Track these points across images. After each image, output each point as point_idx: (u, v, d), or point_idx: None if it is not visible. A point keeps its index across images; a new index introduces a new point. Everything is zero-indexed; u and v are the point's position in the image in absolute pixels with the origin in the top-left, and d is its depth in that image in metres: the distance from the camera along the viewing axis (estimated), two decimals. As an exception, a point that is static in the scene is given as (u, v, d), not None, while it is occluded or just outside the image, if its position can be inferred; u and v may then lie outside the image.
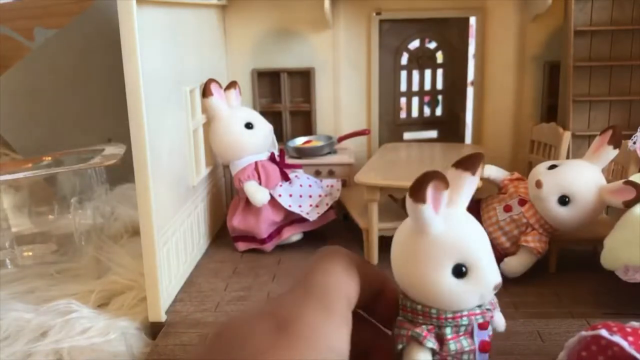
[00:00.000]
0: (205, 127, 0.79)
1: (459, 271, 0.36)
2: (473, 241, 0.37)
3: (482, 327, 0.38)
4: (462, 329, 0.38)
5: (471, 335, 0.38)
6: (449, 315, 0.37)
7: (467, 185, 0.38)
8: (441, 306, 0.37)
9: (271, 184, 0.77)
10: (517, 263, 0.66)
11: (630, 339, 0.39)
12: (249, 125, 0.77)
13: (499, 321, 0.42)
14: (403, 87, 0.97)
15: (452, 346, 0.37)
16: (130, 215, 0.87)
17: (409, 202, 0.35)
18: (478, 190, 0.69)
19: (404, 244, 0.37)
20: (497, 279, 0.37)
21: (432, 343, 0.37)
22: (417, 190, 0.34)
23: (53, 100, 1.04)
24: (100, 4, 1.04)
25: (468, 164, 0.37)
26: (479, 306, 0.38)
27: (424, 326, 0.37)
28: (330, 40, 0.93)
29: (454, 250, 0.36)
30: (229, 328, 0.32)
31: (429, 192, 0.34)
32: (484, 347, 0.38)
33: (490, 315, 0.39)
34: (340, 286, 0.34)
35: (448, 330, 0.37)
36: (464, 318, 0.37)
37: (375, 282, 0.38)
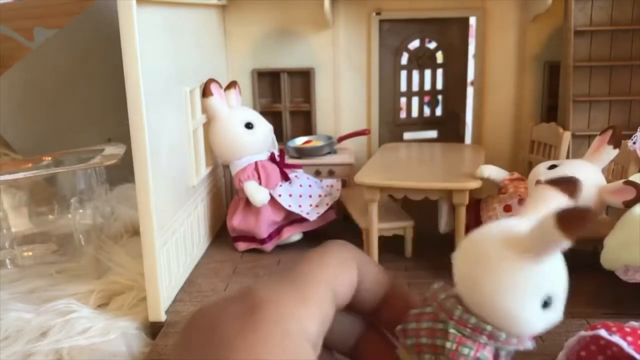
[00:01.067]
0: (205, 127, 0.79)
1: (546, 303, 0.34)
2: (561, 273, 0.35)
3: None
4: (512, 352, 0.37)
5: (509, 355, 0.37)
6: (514, 341, 0.36)
7: (557, 246, 0.34)
8: (514, 332, 0.35)
9: (271, 184, 0.77)
10: (517, 263, 0.66)
11: (629, 339, 0.39)
12: (249, 125, 0.77)
13: None
14: (403, 87, 0.97)
15: None
16: (130, 215, 0.87)
17: (554, 231, 0.32)
18: (478, 190, 0.70)
19: (505, 267, 0.34)
20: (561, 314, 0.36)
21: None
22: (578, 227, 0.32)
23: (53, 100, 1.04)
24: (100, 4, 1.04)
25: (564, 186, 0.35)
26: None
27: (488, 347, 0.36)
28: (330, 40, 0.93)
29: (549, 282, 0.35)
30: (200, 314, 0.32)
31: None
32: None
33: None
34: (323, 277, 0.33)
35: (504, 353, 0.36)
36: (521, 344, 0.36)
37: (381, 284, 0.37)
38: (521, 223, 0.36)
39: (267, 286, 0.32)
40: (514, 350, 0.37)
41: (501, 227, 0.36)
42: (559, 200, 0.36)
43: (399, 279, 0.38)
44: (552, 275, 0.35)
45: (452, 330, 0.36)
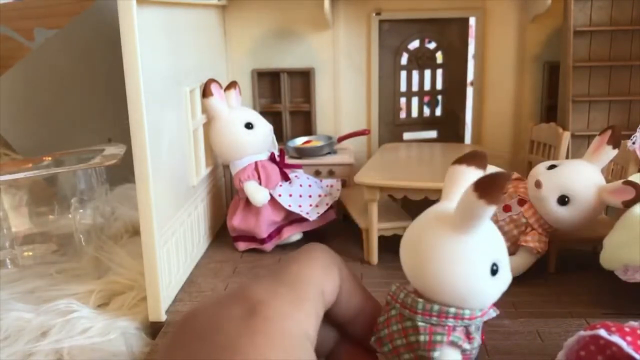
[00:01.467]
0: (205, 127, 0.79)
1: (493, 269, 0.36)
2: (500, 238, 0.37)
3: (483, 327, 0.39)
4: (480, 325, 0.38)
5: (479, 329, 0.38)
6: (478, 314, 0.37)
7: (486, 214, 0.35)
8: (475, 305, 0.37)
9: (271, 184, 0.78)
10: (517, 263, 0.66)
11: (629, 338, 0.39)
12: (249, 125, 0.77)
13: None
14: (403, 87, 0.97)
15: (476, 343, 0.38)
16: (130, 215, 0.87)
17: (475, 200, 0.33)
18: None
19: (440, 243, 0.36)
20: (510, 277, 0.37)
21: (468, 344, 0.37)
22: (495, 191, 0.33)
23: (53, 100, 1.04)
24: (100, 4, 1.04)
25: (490, 193, 0.34)
26: None
27: (458, 329, 0.37)
28: (330, 40, 0.93)
29: (492, 248, 0.36)
30: (195, 316, 0.31)
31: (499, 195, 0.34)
32: (483, 339, 0.39)
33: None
34: (313, 278, 0.34)
35: (473, 329, 0.37)
36: (486, 315, 0.38)
37: (356, 295, 0.37)
38: (447, 204, 0.37)
39: (262, 287, 0.32)
40: (480, 322, 0.38)
41: (430, 213, 0.38)
42: (472, 175, 0.38)
43: (375, 300, 0.38)
44: (491, 243, 0.36)
45: (420, 324, 0.37)
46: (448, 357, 0.36)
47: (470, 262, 0.35)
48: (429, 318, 0.36)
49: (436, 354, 0.36)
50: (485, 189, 0.33)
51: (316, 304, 0.33)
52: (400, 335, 0.37)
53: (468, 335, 0.37)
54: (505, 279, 0.37)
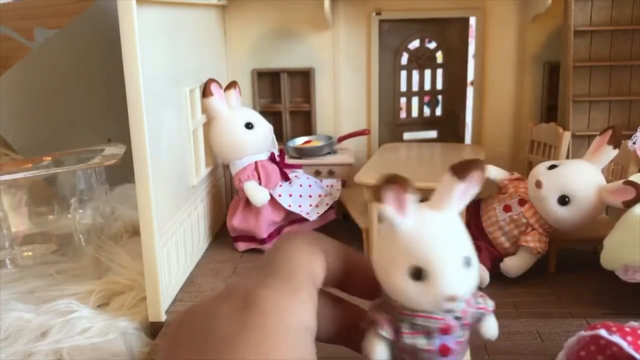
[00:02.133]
0: (205, 127, 0.79)
1: (416, 273, 0.35)
2: (435, 246, 0.36)
3: (444, 331, 0.38)
4: (419, 327, 0.37)
5: (429, 335, 0.37)
6: (407, 312, 0.37)
7: (457, 190, 0.37)
8: (401, 302, 0.37)
9: (271, 184, 0.77)
10: (517, 263, 0.66)
11: (629, 338, 0.39)
12: (249, 125, 0.77)
13: (489, 329, 0.41)
14: (403, 87, 0.97)
15: (407, 340, 0.37)
16: (130, 215, 0.87)
17: (449, 178, 0.37)
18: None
19: (379, 236, 0.38)
20: (450, 291, 0.35)
21: (385, 332, 0.37)
22: (376, 191, 0.35)
23: (53, 100, 1.04)
24: (100, 4, 1.04)
25: (458, 169, 0.36)
26: (449, 312, 0.37)
27: (385, 314, 0.37)
28: (330, 40, 0.93)
29: (412, 251, 0.35)
30: (191, 315, 0.31)
31: (388, 194, 0.35)
32: (443, 351, 0.38)
33: (455, 324, 0.38)
34: (302, 263, 0.34)
35: (405, 325, 0.37)
36: (419, 319, 0.37)
37: (342, 257, 0.37)
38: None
39: (254, 281, 0.32)
40: (419, 327, 0.37)
41: None
42: (455, 185, 0.38)
43: (350, 248, 0.39)
44: (418, 246, 0.36)
45: (377, 299, 0.39)
46: (369, 336, 0.37)
47: (387, 257, 0.37)
48: (381, 298, 0.38)
49: (363, 326, 0.38)
50: (459, 168, 0.36)
51: (309, 290, 0.33)
52: (370, 305, 0.40)
53: (399, 331, 0.37)
54: (435, 290, 0.35)
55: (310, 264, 0.34)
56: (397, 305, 0.37)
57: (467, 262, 0.36)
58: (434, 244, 0.36)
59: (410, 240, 0.36)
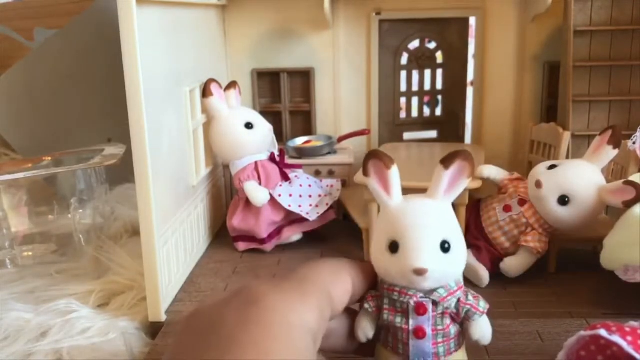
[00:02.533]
0: (205, 127, 0.79)
1: (393, 247, 0.39)
2: (413, 223, 0.39)
3: (419, 311, 0.40)
4: (398, 305, 0.40)
5: (406, 314, 0.40)
6: (386, 286, 0.40)
7: (444, 179, 0.41)
8: (382, 276, 0.41)
9: (271, 184, 0.77)
10: (517, 263, 0.66)
11: (629, 338, 0.39)
12: (249, 125, 0.77)
13: (478, 329, 0.42)
14: (403, 87, 0.97)
15: (385, 316, 0.40)
16: (130, 215, 0.87)
17: (438, 169, 0.41)
18: (478, 190, 0.70)
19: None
20: (417, 264, 0.38)
21: (369, 306, 0.41)
22: (363, 166, 0.42)
23: (53, 100, 1.04)
24: (100, 4, 1.04)
25: (444, 159, 0.41)
26: (426, 294, 0.40)
27: (372, 291, 0.41)
28: (330, 40, 0.93)
29: (393, 226, 0.40)
30: (198, 315, 0.32)
31: (371, 169, 0.41)
32: (417, 333, 0.40)
33: (430, 307, 0.40)
34: (319, 280, 0.34)
35: (386, 301, 0.40)
36: (395, 293, 0.40)
37: (367, 277, 0.41)
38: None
39: (264, 282, 0.32)
40: (398, 304, 0.40)
41: None
42: (442, 173, 0.42)
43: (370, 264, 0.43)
44: (397, 223, 0.40)
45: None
46: (359, 318, 0.41)
47: (376, 231, 0.41)
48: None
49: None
50: (446, 158, 0.41)
51: (321, 302, 0.33)
52: None
53: (381, 307, 0.41)
54: (404, 262, 0.39)
55: (330, 284, 0.35)
56: (379, 282, 0.41)
57: (445, 246, 0.39)
58: (412, 221, 0.40)
59: (393, 216, 0.40)
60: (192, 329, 0.31)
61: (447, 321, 0.41)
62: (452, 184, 0.41)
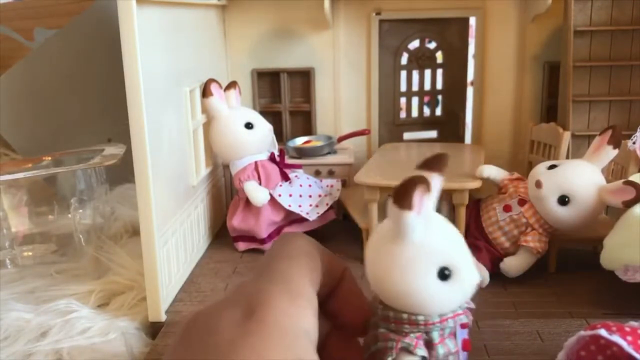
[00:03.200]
0: (205, 127, 0.79)
1: (444, 274, 0.35)
2: (454, 243, 0.36)
3: (464, 326, 0.38)
4: (447, 331, 0.38)
5: (454, 336, 0.38)
6: (437, 320, 0.37)
7: (437, 186, 0.37)
8: (428, 311, 0.36)
9: (271, 184, 0.77)
10: (517, 263, 0.66)
11: (629, 338, 0.39)
12: (248, 125, 0.77)
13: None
14: (403, 87, 0.97)
15: (440, 350, 0.37)
16: (130, 215, 0.87)
17: (393, 208, 0.34)
18: (478, 190, 0.70)
19: (385, 252, 0.36)
20: (477, 276, 0.36)
21: (423, 351, 0.36)
22: (404, 197, 0.34)
23: (53, 100, 1.04)
24: (100, 4, 1.04)
25: (433, 164, 0.37)
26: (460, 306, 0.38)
27: (412, 335, 0.37)
28: (330, 40, 0.93)
29: (438, 254, 0.35)
30: (195, 320, 0.32)
31: (416, 198, 0.34)
32: (465, 346, 0.39)
33: (471, 316, 0.39)
34: (303, 271, 0.34)
35: (435, 335, 0.37)
36: (450, 320, 0.37)
37: (335, 268, 0.36)
38: None
39: (258, 288, 0.32)
40: (451, 328, 0.37)
41: (384, 223, 0.37)
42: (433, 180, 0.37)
43: (348, 270, 0.36)
44: (441, 247, 0.35)
45: (381, 330, 0.37)
46: None
47: (413, 267, 0.35)
48: (387, 324, 0.37)
49: (389, 358, 0.36)
50: (397, 195, 0.34)
51: (309, 296, 0.33)
52: (375, 340, 0.38)
53: (429, 342, 0.37)
54: (465, 283, 0.36)
55: (310, 269, 0.34)
56: (419, 321, 0.36)
57: (468, 250, 0.37)
58: (453, 241, 0.36)
59: (434, 243, 0.35)
60: (189, 334, 0.31)
61: None
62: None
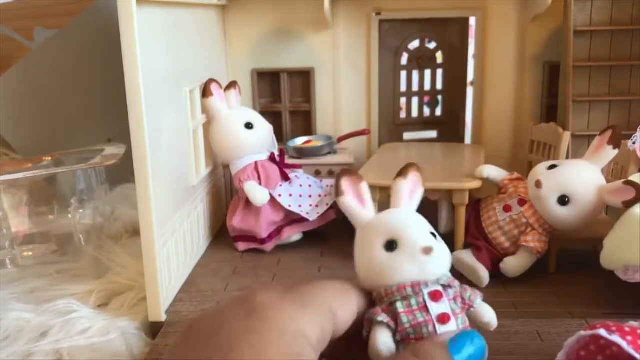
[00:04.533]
0: (205, 127, 0.79)
1: (390, 246, 0.40)
2: (397, 220, 0.42)
3: (435, 298, 0.40)
4: (414, 302, 0.39)
5: (426, 308, 0.39)
6: (394, 289, 0.40)
7: (404, 189, 0.45)
8: (385, 281, 0.40)
9: (271, 184, 0.77)
10: (517, 263, 0.66)
11: (629, 338, 0.39)
12: (249, 125, 0.77)
13: (488, 311, 0.43)
14: (403, 87, 0.97)
15: (404, 319, 0.39)
16: (130, 215, 0.87)
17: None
18: (478, 190, 0.70)
19: (356, 238, 0.44)
20: (424, 243, 0.40)
21: (383, 317, 0.39)
22: (336, 187, 0.44)
23: (53, 100, 1.04)
24: (100, 4, 1.04)
25: (401, 171, 0.45)
26: (434, 282, 0.40)
27: (378, 307, 0.40)
28: (330, 40, 0.93)
29: (382, 230, 0.41)
30: (202, 319, 0.32)
31: (343, 185, 0.44)
32: (443, 319, 0.39)
33: (443, 291, 0.40)
34: (325, 297, 0.35)
35: (399, 305, 0.39)
36: (408, 288, 0.39)
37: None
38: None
39: (267, 292, 0.33)
40: (413, 300, 0.40)
41: None
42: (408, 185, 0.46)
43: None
44: (385, 224, 0.42)
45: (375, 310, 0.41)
46: (373, 334, 0.39)
47: (363, 247, 0.43)
48: (379, 301, 0.41)
49: (364, 335, 0.40)
50: (401, 171, 0.45)
51: (322, 317, 0.34)
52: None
53: (396, 314, 0.39)
54: (411, 248, 0.40)
55: (335, 302, 0.35)
56: (382, 294, 0.40)
57: (434, 234, 0.42)
58: (401, 220, 0.42)
59: (379, 223, 0.43)
60: (193, 333, 0.31)
61: (461, 305, 0.41)
62: (411, 192, 0.45)
